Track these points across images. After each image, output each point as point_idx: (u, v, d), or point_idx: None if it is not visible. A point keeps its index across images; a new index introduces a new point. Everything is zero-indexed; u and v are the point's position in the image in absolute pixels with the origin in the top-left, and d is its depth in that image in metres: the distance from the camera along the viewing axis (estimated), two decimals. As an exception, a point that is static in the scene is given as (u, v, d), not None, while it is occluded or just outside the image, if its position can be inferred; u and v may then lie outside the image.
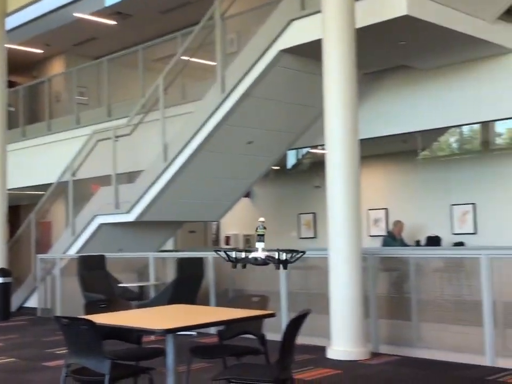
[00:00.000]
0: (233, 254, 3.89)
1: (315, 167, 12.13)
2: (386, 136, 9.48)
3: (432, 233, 11.16)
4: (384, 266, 7.44)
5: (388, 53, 8.12)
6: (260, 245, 3.84)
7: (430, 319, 6.95)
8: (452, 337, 6.61)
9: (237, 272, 9.08)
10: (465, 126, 11.51)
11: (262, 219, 3.90)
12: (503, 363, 6.01)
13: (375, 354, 6.67)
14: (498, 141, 12.07)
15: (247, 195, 13.32)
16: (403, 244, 10.64)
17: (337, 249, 6.61)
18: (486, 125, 11.20)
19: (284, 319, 7.34)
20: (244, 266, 3.97)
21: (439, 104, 8.71)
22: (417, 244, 11.32)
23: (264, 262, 3.83)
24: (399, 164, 12.27)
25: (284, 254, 3.83)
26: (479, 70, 8.35)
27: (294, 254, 3.93)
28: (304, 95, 8.70)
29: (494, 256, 6.30)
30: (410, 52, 8.05)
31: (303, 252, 4.10)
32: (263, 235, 3.82)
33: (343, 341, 6.56)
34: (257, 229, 3.83)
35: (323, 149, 7.07)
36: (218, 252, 4.02)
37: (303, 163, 13.98)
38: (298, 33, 7.77)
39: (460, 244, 10.78)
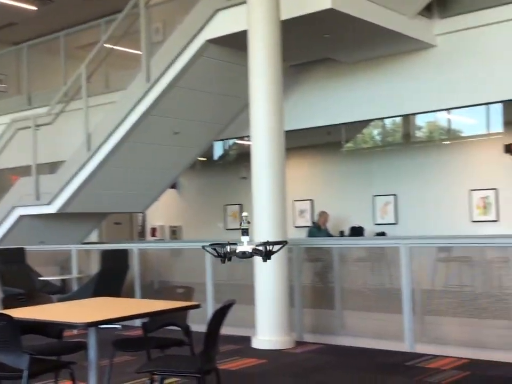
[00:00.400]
0: (221, 249, 4.01)
1: (242, 158, 12.15)
2: (311, 128, 9.60)
3: (356, 223, 11.41)
4: (309, 257, 7.55)
5: (313, 46, 8.21)
6: (245, 239, 3.98)
7: (352, 307, 7.11)
8: (373, 324, 6.79)
9: (162, 264, 9.03)
10: (388, 119, 11.82)
11: (245, 214, 4.06)
12: (421, 348, 6.22)
13: (299, 343, 6.76)
14: (419, 134, 12.45)
15: (173, 186, 13.22)
16: (328, 234, 10.83)
17: (262, 239, 6.63)
18: (407, 118, 11.53)
19: (210, 310, 7.33)
20: (229, 259, 4.09)
21: (362, 97, 8.89)
22: (341, 234, 11.55)
23: (251, 255, 3.99)
24: (324, 155, 12.47)
25: (271, 246, 4.00)
26: (401, 64, 8.56)
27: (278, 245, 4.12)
28: (230, 86, 8.69)
29: (413, 245, 6.51)
30: (334, 45, 8.17)
31: (286, 242, 4.44)
32: (247, 229, 3.95)
33: (268, 331, 6.62)
34: (241, 223, 3.98)
35: (249, 140, 7.09)
36: (206, 248, 4.12)
37: (230, 154, 13.99)
38: (224, 24, 7.74)
39: (382, 234, 11.08)
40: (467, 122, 11.54)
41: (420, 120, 12.23)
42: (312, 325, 7.09)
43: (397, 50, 8.37)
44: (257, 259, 6.63)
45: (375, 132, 12.84)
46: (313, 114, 9.31)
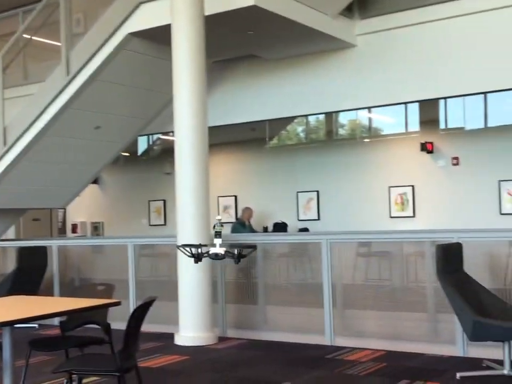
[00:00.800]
0: (196, 250, 4.24)
1: (166, 154, 12.04)
2: (235, 124, 9.62)
3: (280, 219, 11.53)
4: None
5: (237, 42, 8.22)
6: (217, 241, 4.18)
7: (275, 303, 7.19)
8: (295, 319, 6.89)
9: (83, 261, 8.84)
10: (312, 117, 12.00)
11: (219, 217, 4.29)
12: (341, 342, 6.37)
13: (222, 339, 6.78)
14: (341, 131, 12.70)
15: (96, 181, 12.94)
16: (252, 230, 10.89)
17: (185, 236, 6.61)
18: (330, 116, 11.74)
19: (132, 307, 7.24)
20: (200, 260, 4.35)
21: (285, 94, 8.98)
22: (265, 230, 11.64)
23: (224, 256, 4.19)
24: (248, 151, 12.52)
25: (240, 249, 4.25)
26: (323, 63, 8.70)
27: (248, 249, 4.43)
28: (154, 81, 8.58)
29: (334, 240, 6.64)
30: (258, 41, 8.20)
31: (255, 247, 4.70)
32: (220, 232, 4.17)
33: (191, 327, 6.60)
34: (214, 226, 4.15)
35: (173, 136, 7.04)
36: (181, 248, 4.31)
37: (154, 149, 13.83)
38: (147, 17, 7.63)
39: (305, 230, 11.23)
40: (387, 121, 11.87)
41: (343, 118, 12.47)
42: (235, 321, 7.13)
43: (319, 49, 8.50)
44: (182, 256, 6.62)
45: (299, 129, 13.00)
46: (237, 110, 9.33)
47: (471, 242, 5.82)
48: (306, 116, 10.91)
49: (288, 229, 11.39)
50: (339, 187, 11.23)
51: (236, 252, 4.17)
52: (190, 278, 6.60)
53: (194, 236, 6.57)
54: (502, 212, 9.85)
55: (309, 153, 11.92)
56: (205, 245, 4.27)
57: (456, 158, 10.22)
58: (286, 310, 7.07)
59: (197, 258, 4.26)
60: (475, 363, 5.28)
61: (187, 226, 6.63)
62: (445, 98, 9.25)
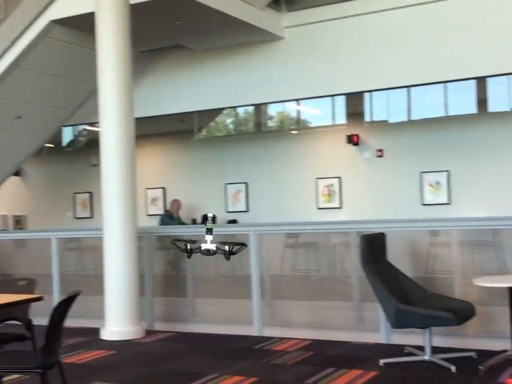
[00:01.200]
0: (188, 245, 4.40)
1: (92, 145, 11.75)
2: (163, 115, 9.52)
3: (208, 211, 11.48)
4: (162, 245, 7.50)
5: (165, 32, 8.13)
6: (209, 238, 4.30)
7: (204, 295, 7.18)
8: (224, 310, 6.89)
9: (5, 255, 8.54)
10: (241, 109, 12.00)
11: (210, 215, 4.42)
12: (269, 332, 6.42)
13: (150, 332, 6.72)
14: (270, 123, 12.77)
15: (17, 173, 12.52)
16: (180, 222, 10.81)
17: (112, 228, 6.50)
18: (259, 108, 11.78)
19: (56, 302, 7.04)
20: (189, 256, 4.53)
21: (214, 86, 8.95)
22: (194, 222, 11.59)
23: (215, 252, 4.33)
24: (177, 143, 12.41)
25: (231, 246, 4.42)
26: (252, 54, 8.72)
27: (240, 246, 4.58)
28: (78, 70, 8.37)
29: (261, 232, 6.68)
30: (186, 32, 8.14)
31: (245, 245, 4.84)
32: (211, 229, 4.29)
33: (117, 321, 6.50)
34: (206, 223, 4.29)
35: (99, 127, 6.89)
36: (175, 243, 4.49)
37: (79, 140, 13.49)
38: (71, 4, 7.43)
39: (234, 222, 11.25)
40: (314, 114, 12.02)
41: (272, 110, 12.54)
42: (163, 314, 7.07)
43: (247, 40, 8.51)
44: (108, 249, 6.51)
45: (228, 120, 12.99)
46: (165, 101, 9.24)
47: (395, 232, 5.98)
48: (234, 107, 10.91)
49: (217, 220, 11.37)
50: (268, 179, 11.29)
51: (226, 248, 4.32)
52: (116, 272, 6.49)
53: (121, 229, 6.47)
54: (424, 203, 10.17)
55: (238, 145, 11.93)
56: (194, 241, 4.39)
57: (381, 150, 10.46)
58: (215, 302, 7.07)
59: (190, 252, 4.38)
60: (398, 349, 5.43)
61: (113, 218, 6.51)
62: (370, 91, 9.46)
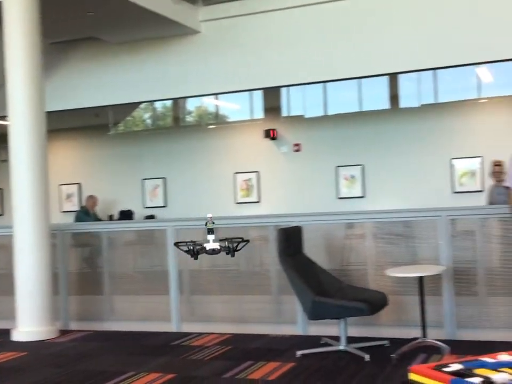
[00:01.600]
0: (194, 247, 4.57)
1: (1, 140, 11.31)
2: (77, 109, 9.26)
3: (125, 207, 11.30)
4: (77, 242, 7.32)
5: (77, 23, 7.89)
6: (211, 237, 4.52)
7: (122, 292, 7.05)
8: (142, 307, 6.80)
9: None
10: (159, 103, 11.85)
11: (210, 215, 4.57)
12: (188, 328, 6.38)
13: (65, 332, 6.55)
14: (189, 118, 12.69)
15: None
16: (96, 218, 10.58)
17: (22, 226, 6.28)
18: (177, 103, 11.68)
19: (-38, 304, 6.75)
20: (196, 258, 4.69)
21: (129, 79, 8.78)
22: (110, 218, 11.37)
23: (220, 251, 4.54)
24: (93, 138, 12.11)
25: (235, 243, 4.63)
26: (168, 48, 8.61)
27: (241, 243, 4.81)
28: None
29: (179, 227, 6.63)
30: (99, 24, 7.94)
31: (248, 241, 5.01)
32: (212, 229, 4.51)
33: (29, 322, 6.29)
34: (206, 223, 4.48)
35: (7, 121, 6.62)
36: (181, 245, 4.63)
37: (-12, 135, 12.92)
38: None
39: (151, 217, 11.12)
40: (233, 108, 12.03)
41: (190, 105, 12.46)
42: (79, 313, 6.90)
43: (163, 34, 8.40)
44: (18, 247, 6.28)
45: (146, 115, 12.81)
46: (78, 95, 8.99)
47: (311, 225, 6.07)
48: (151, 101, 10.77)
49: (134, 216, 11.21)
50: (186, 174, 11.22)
51: (230, 246, 4.51)
52: (27, 270, 6.27)
53: (32, 226, 6.25)
54: (339, 196, 10.38)
55: (155, 140, 11.78)
56: (194, 242, 4.58)
57: (298, 145, 10.60)
58: (133, 299, 6.96)
59: (196, 254, 4.57)
60: (314, 341, 5.52)
61: (24, 216, 6.29)
62: (287, 86, 9.56)
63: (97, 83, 8.93)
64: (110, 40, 8.69)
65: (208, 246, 4.48)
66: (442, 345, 4.91)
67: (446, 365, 2.21)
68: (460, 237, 5.73)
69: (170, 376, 4.73)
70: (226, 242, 4.59)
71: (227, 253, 4.59)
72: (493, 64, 8.25)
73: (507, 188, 7.65)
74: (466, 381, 2.01)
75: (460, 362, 2.25)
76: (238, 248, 4.70)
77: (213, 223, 4.61)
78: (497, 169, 7.92)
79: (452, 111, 9.91)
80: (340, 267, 6.06)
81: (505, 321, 5.36)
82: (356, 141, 10.27)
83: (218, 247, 4.55)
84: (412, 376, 2.23)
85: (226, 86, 8.53)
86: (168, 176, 11.42)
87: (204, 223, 6.40)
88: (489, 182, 8.24)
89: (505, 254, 5.48)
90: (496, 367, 2.21)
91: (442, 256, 5.56)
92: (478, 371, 2.15)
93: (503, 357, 2.31)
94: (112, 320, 6.78)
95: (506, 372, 2.12)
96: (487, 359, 2.28)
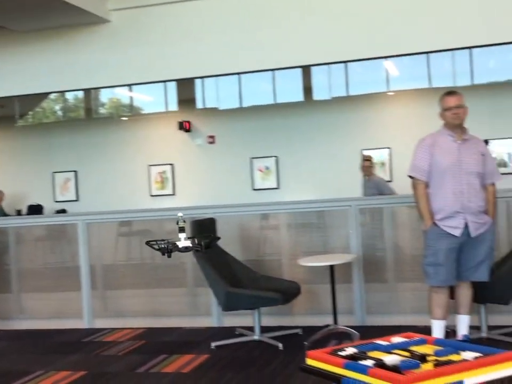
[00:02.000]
0: (167, 246, 4.50)
1: None
2: (-19, 100, 8.86)
3: (34, 201, 10.94)
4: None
5: (-21, 10, 7.52)
6: (182, 235, 4.49)
7: (32, 289, 6.84)
8: (53, 304, 6.61)
9: None
10: (70, 94, 11.51)
11: (180, 214, 4.54)
12: (101, 324, 6.25)
13: (-31, 333, 6.27)
14: (102, 110, 12.42)
15: None
16: (3, 213, 10.20)
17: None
18: (89, 94, 11.38)
19: None
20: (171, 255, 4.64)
21: (36, 69, 8.44)
22: (18, 213, 10.99)
23: (192, 248, 4.54)
24: (-2, 130, 11.64)
25: (207, 241, 4.66)
26: (77, 37, 8.33)
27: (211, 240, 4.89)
28: None
29: (91, 221, 6.47)
30: (4, 11, 7.58)
31: (219, 238, 5.18)
32: (184, 227, 4.50)
33: None
34: (178, 222, 4.45)
35: None
36: (152, 244, 4.54)
37: None
38: None
39: (62, 211, 10.82)
40: (147, 100, 11.87)
41: (103, 97, 12.21)
42: (-15, 312, 6.62)
43: (71, 22, 8.11)
44: None
45: (57, 106, 12.44)
46: (-18, 84, 8.58)
47: (226, 217, 6.07)
48: (58, 92, 10.41)
49: (44, 211, 10.87)
50: (99, 167, 10.99)
51: (202, 243, 4.59)
52: None
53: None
54: (254, 188, 10.45)
55: (67, 132, 11.45)
56: (164, 240, 4.55)
57: (212, 137, 10.58)
58: (43, 296, 6.77)
59: (169, 252, 4.53)
60: (229, 332, 5.54)
61: None
62: (200, 77, 9.49)
63: (2, 72, 8.55)
64: (17, 28, 8.33)
65: (181, 244, 4.49)
66: (352, 331, 5.04)
67: (341, 349, 2.26)
68: (369, 226, 5.89)
69: (81, 373, 4.62)
70: (196, 240, 4.67)
71: (197, 250, 4.63)
72: (400, 58, 8.51)
73: (376, 181, 8.11)
74: (359, 364, 2.06)
75: (354, 346, 2.30)
76: (209, 246, 4.80)
77: (184, 221, 4.63)
78: (367, 163, 8.33)
79: (362, 104, 10.17)
80: (255, 258, 6.10)
81: (412, 306, 5.55)
82: (271, 132, 10.36)
83: (191, 245, 4.57)
84: (309, 361, 2.27)
85: (139, 76, 8.35)
86: (80, 169, 11.14)
87: (115, 217, 6.32)
88: (397, 172, 8.53)
89: (412, 242, 5.68)
90: (389, 349, 2.27)
91: (353, 245, 5.69)
92: (371, 354, 2.21)
93: (396, 339, 2.39)
94: (21, 319, 6.55)
95: (397, 354, 2.19)
96: (381, 342, 2.35)
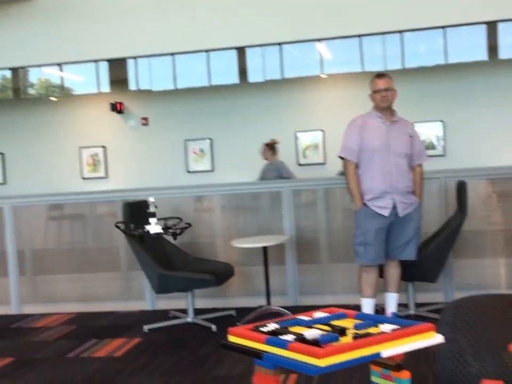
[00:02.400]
0: (138, 230, 4.56)
1: None
2: None
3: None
4: None
5: None
6: (153, 220, 4.57)
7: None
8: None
9: None
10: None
11: (152, 199, 4.61)
12: (30, 309, 6.09)
13: None
14: (31, 90, 12.05)
15: None
16: None
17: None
18: (17, 74, 11.00)
19: None
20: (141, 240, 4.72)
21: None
22: None
23: (163, 234, 4.64)
24: None
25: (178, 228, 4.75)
26: (5, 13, 8.04)
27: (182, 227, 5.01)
28: None
29: (18, 204, 6.28)
30: None
31: (190, 224, 5.19)
32: (155, 212, 4.59)
33: None
34: (149, 207, 4.50)
35: None
36: (119, 226, 4.59)
37: None
38: None
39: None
40: (78, 81, 11.57)
41: (33, 77, 11.84)
42: None
43: (-2, -2, 7.83)
44: None
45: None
46: None
47: (160, 199, 5.98)
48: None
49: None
50: (28, 149, 10.67)
51: (172, 229, 4.66)
52: None
53: None
54: (189, 170, 10.38)
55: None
56: (133, 223, 4.59)
57: (146, 119, 10.43)
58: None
59: (141, 237, 4.61)
60: (163, 315, 5.50)
61: None
62: (132, 57, 9.33)
63: None
64: None
65: (152, 230, 4.56)
66: (284, 311, 5.09)
67: (263, 325, 2.26)
68: (302, 207, 5.95)
69: (8, 360, 4.48)
70: (166, 223, 4.75)
71: (172, 236, 4.74)
72: (334, 42, 8.58)
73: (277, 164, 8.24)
74: (280, 339, 2.07)
75: (277, 322, 2.31)
76: (179, 233, 4.89)
77: (156, 207, 4.70)
78: (267, 148, 8.43)
79: (297, 86, 10.22)
80: (189, 240, 6.06)
81: (343, 285, 5.65)
82: (205, 114, 10.28)
83: (162, 231, 4.62)
84: (231, 338, 2.26)
85: (69, 55, 8.13)
86: (8, 151, 10.77)
87: (44, 199, 6.16)
88: (331, 154, 8.62)
89: (344, 223, 5.76)
90: (310, 324, 2.29)
91: (286, 226, 5.74)
92: (292, 329, 2.22)
93: (317, 314, 2.41)
94: None
95: (318, 328, 2.21)
96: (303, 317, 2.37)
